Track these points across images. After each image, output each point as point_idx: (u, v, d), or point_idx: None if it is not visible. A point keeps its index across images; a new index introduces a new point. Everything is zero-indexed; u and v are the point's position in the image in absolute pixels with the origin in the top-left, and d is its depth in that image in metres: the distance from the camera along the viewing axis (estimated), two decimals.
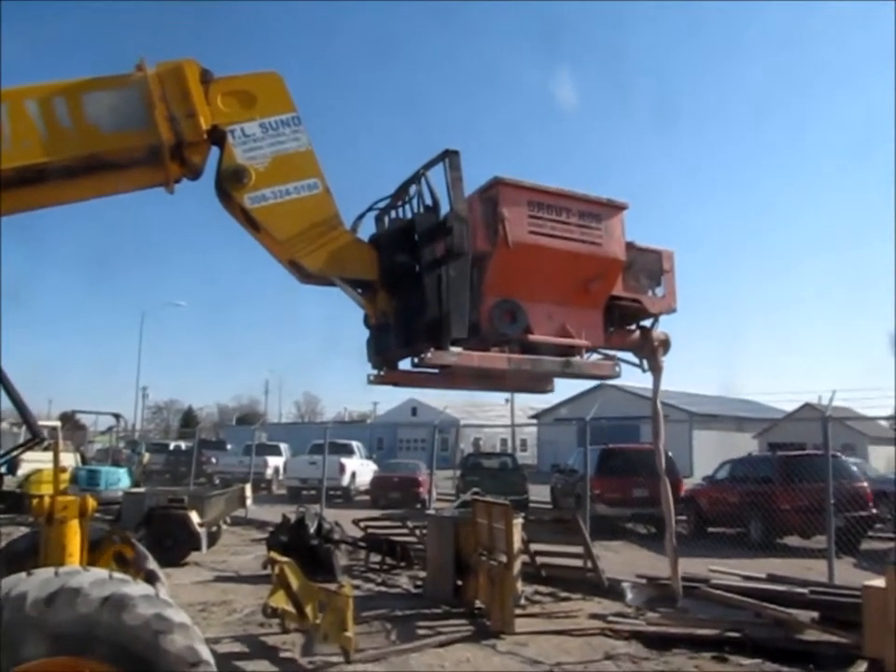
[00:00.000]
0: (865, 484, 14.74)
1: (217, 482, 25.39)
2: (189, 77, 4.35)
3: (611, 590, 9.27)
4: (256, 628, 7.80)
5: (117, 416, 20.55)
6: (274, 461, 29.29)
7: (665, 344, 6.77)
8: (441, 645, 7.21)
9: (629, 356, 7.23)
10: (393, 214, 5.47)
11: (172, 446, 33.27)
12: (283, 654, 6.90)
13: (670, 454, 11.06)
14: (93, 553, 5.23)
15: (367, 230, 5.49)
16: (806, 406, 33.74)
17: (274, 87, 4.67)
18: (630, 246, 6.07)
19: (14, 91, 4.06)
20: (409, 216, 5.28)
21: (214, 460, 29.22)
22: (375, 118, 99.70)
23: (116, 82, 4.26)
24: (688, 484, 18.01)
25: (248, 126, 4.52)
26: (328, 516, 12.00)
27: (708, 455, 27.36)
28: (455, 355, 4.93)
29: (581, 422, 13.43)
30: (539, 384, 6.69)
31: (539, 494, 21.29)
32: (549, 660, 6.77)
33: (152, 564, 6.16)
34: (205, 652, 3.28)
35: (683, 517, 16.55)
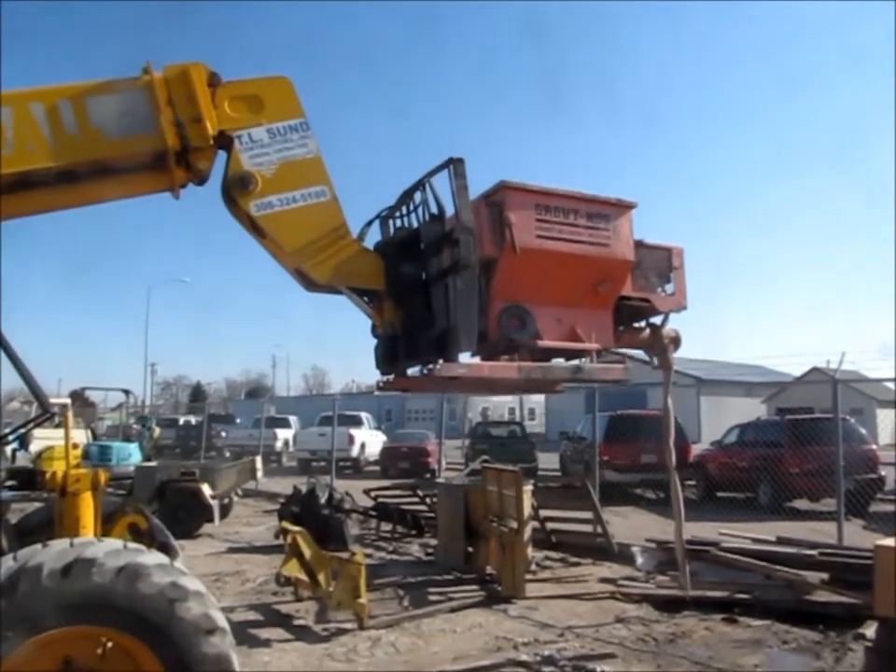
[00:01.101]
0: (874, 447, 14.74)
1: (228, 455, 25.61)
2: (196, 81, 4.24)
3: (621, 555, 9.34)
4: (269, 597, 7.89)
5: (126, 392, 20.69)
6: (284, 433, 29.50)
7: (676, 341, 6.70)
8: (453, 610, 7.29)
9: (638, 352, 7.20)
10: (398, 222, 5.38)
11: (181, 421, 33.51)
12: (297, 622, 6.99)
13: (679, 419, 11.04)
14: (107, 525, 5.28)
15: (372, 234, 5.49)
16: (815, 370, 33.80)
17: (283, 91, 4.55)
18: (639, 244, 6.00)
19: (19, 94, 4.00)
20: (414, 223, 5.20)
21: (223, 434, 29.44)
22: (365, 119, 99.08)
23: (122, 86, 4.18)
24: (696, 450, 18.06)
25: (256, 131, 4.42)
26: (338, 487, 12.08)
27: (717, 421, 27.42)
28: (465, 366, 4.86)
29: (590, 389, 13.42)
30: (550, 386, 6.71)
31: (548, 462, 21.40)
32: (560, 623, 6.84)
33: (166, 535, 6.23)
34: (221, 619, 3.31)
35: (692, 482, 16.65)
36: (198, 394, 68.74)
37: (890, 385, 27.00)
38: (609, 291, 5.82)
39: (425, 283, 4.74)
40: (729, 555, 8.05)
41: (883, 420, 30.00)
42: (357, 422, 26.25)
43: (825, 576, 7.33)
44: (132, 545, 3.41)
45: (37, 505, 5.86)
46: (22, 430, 5.73)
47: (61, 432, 17.17)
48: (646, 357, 7.19)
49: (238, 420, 34.09)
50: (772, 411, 28.56)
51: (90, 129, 4.03)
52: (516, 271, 5.28)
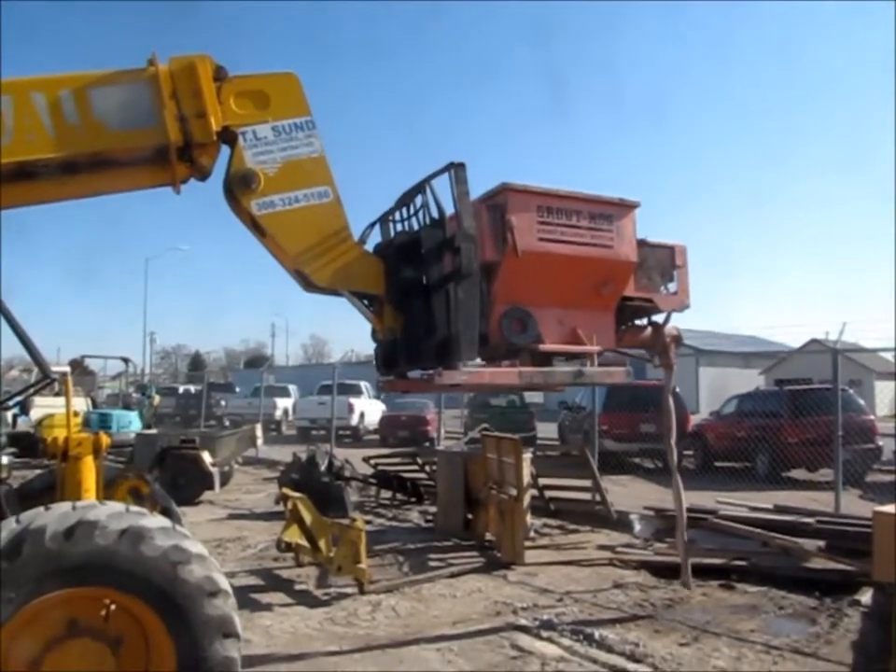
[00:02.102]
0: (872, 418, 14.81)
1: (227, 423, 25.69)
2: (202, 75, 4.14)
3: (619, 522, 9.42)
4: (270, 562, 7.96)
5: (126, 360, 20.70)
6: (283, 402, 29.58)
7: (677, 340, 6.64)
8: (453, 576, 7.36)
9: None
10: (399, 226, 5.28)
11: (181, 390, 33.55)
12: (298, 587, 7.05)
13: (678, 389, 11.07)
14: (109, 490, 5.32)
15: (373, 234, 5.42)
16: (813, 341, 33.81)
17: (290, 88, 4.44)
18: (642, 244, 5.94)
19: (21, 83, 3.91)
20: (414, 225, 5.10)
21: (223, 402, 29.50)
22: (364, 119, 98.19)
23: (126, 78, 4.08)
24: (695, 420, 18.14)
25: (260, 129, 4.32)
26: (337, 455, 12.14)
27: (715, 391, 27.51)
28: (466, 373, 4.79)
29: None
30: (551, 388, 6.75)
31: (547, 431, 21.49)
32: (559, 589, 6.90)
33: (168, 500, 6.27)
34: (224, 582, 3.33)
35: (690, 452, 16.74)
36: (197, 363, 68.89)
37: (889, 356, 27.03)
38: (612, 292, 5.77)
39: (425, 288, 4.65)
40: (727, 523, 8.11)
41: (882, 392, 30.13)
42: (356, 391, 26.34)
43: (822, 543, 7.39)
44: (134, 508, 3.42)
45: (38, 471, 5.87)
46: (23, 396, 5.72)
47: (61, 400, 17.24)
48: (647, 356, 7.17)
49: (237, 389, 34.18)
50: (770, 382, 28.64)
51: (91, 120, 3.94)
52: (518, 274, 5.20)
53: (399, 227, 5.22)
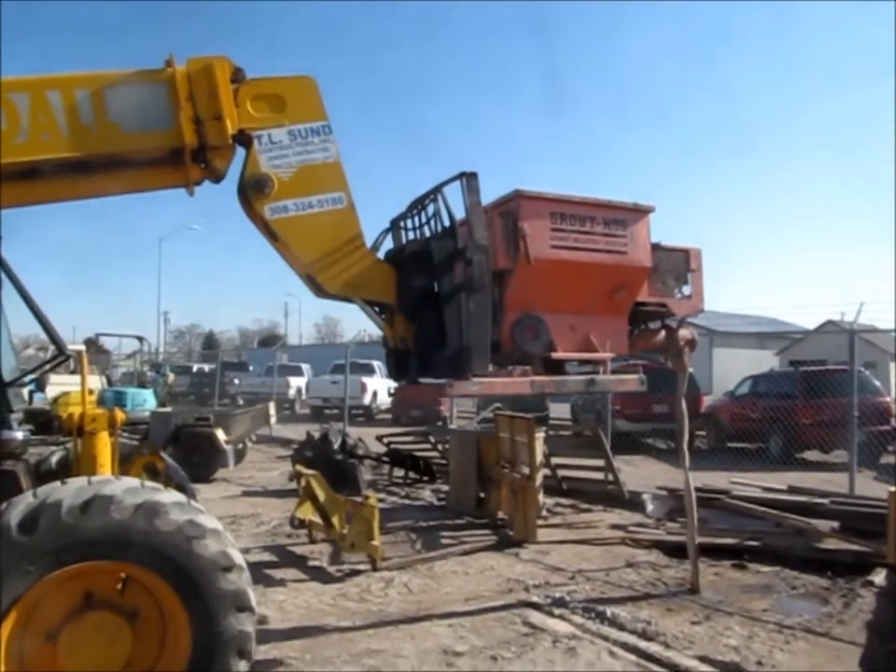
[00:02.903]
0: (888, 399, 14.69)
1: (241, 402, 25.85)
2: (220, 77, 4.08)
3: (632, 502, 9.42)
4: (284, 539, 8.03)
5: (140, 339, 20.72)
6: (297, 381, 29.68)
7: (692, 343, 6.55)
8: (466, 553, 7.39)
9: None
10: (410, 234, 5.24)
11: (195, 369, 33.76)
12: (311, 563, 7.11)
13: (691, 370, 11.00)
14: (124, 466, 5.36)
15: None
16: (829, 323, 33.49)
17: (307, 92, 4.38)
18: (656, 247, 5.87)
19: (37, 81, 3.88)
20: (426, 233, 5.06)
21: (237, 381, 29.66)
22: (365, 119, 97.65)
23: (142, 78, 4.04)
24: (708, 401, 18.06)
25: (276, 132, 4.26)
26: (350, 434, 12.19)
27: (728, 373, 27.31)
28: (478, 384, 4.76)
29: None
30: (562, 393, 6.67)
31: (559, 411, 21.49)
32: (571, 567, 6.93)
33: (183, 477, 6.32)
34: (238, 557, 3.36)
35: (703, 433, 16.69)
36: (211, 342, 69.17)
37: None
38: (625, 298, 5.71)
39: (437, 298, 4.61)
40: (740, 503, 8.10)
41: None
42: (369, 370, 26.36)
43: (835, 524, 7.37)
44: (149, 484, 3.45)
45: (53, 448, 5.93)
46: (38, 373, 5.75)
47: (76, 378, 17.35)
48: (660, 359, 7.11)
49: (251, 368, 34.32)
50: (785, 363, 28.45)
51: (106, 121, 3.91)
52: (530, 281, 5.16)
53: (410, 235, 5.19)
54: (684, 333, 6.40)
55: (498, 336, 5.04)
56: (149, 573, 3.21)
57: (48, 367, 5.25)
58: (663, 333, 6.40)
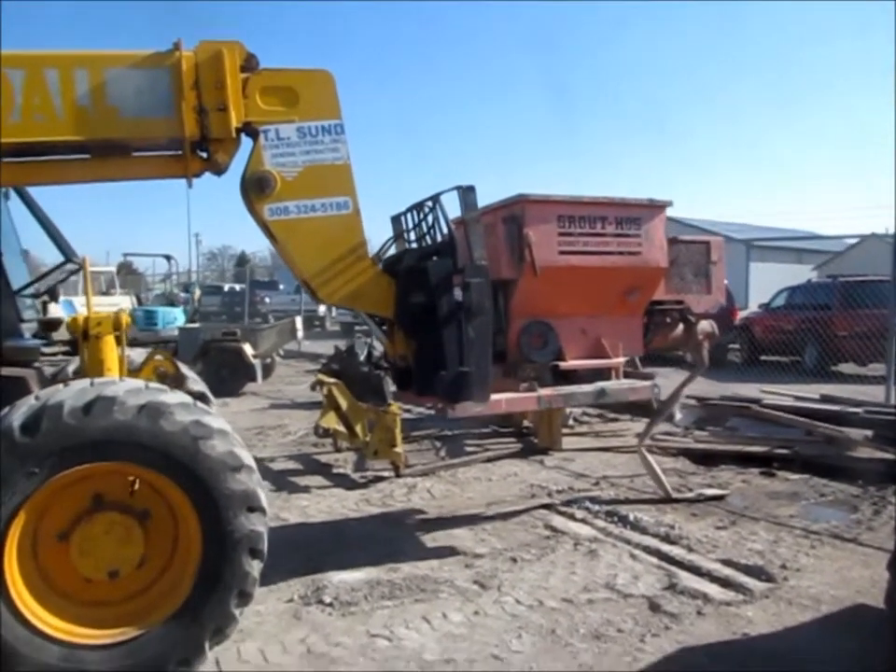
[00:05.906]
0: None
1: (272, 320, 26.01)
2: (229, 66, 3.75)
3: (660, 411, 9.28)
4: (309, 448, 8.10)
5: (168, 258, 20.76)
6: None
7: (711, 337, 6.20)
8: (490, 460, 7.39)
9: None
10: (410, 235, 4.98)
11: (226, 288, 33.96)
12: (336, 470, 7.17)
13: (726, 282, 10.69)
14: (136, 373, 5.34)
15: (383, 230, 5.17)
16: (872, 236, 32.41)
17: (322, 88, 4.02)
18: (674, 241, 5.48)
19: (35, 57, 3.59)
20: (427, 241, 4.79)
21: (267, 300, 29.83)
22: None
23: (147, 62, 3.73)
24: (742, 314, 17.71)
25: (285, 128, 3.94)
26: (377, 346, 12.15)
27: (766, 288, 26.69)
28: (481, 405, 4.53)
29: None
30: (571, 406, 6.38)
31: None
32: (595, 473, 6.88)
33: (201, 385, 6.31)
34: (247, 457, 3.29)
35: (736, 345, 16.41)
36: (243, 263, 69.49)
37: None
38: (640, 299, 5.39)
39: (436, 317, 4.29)
40: (770, 411, 7.93)
41: None
42: None
43: (869, 433, 7.18)
44: (153, 384, 3.37)
45: (70, 358, 5.93)
46: (50, 281, 5.70)
47: (106, 299, 17.47)
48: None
49: (281, 286, 34.42)
50: (823, 278, 27.73)
51: (104, 105, 3.63)
52: (538, 289, 4.86)
53: (408, 244, 4.98)
54: (703, 326, 6.08)
55: (504, 345, 4.87)
56: (157, 474, 3.16)
57: (56, 274, 5.17)
58: (681, 327, 6.09)
